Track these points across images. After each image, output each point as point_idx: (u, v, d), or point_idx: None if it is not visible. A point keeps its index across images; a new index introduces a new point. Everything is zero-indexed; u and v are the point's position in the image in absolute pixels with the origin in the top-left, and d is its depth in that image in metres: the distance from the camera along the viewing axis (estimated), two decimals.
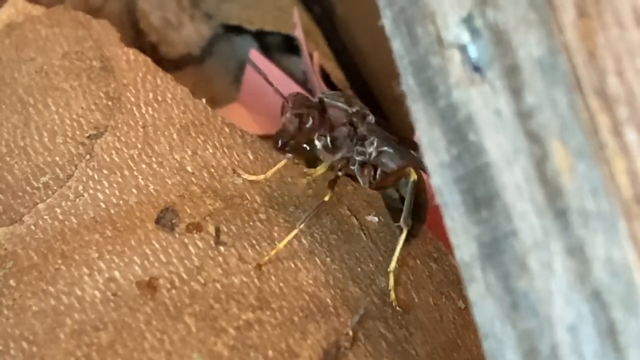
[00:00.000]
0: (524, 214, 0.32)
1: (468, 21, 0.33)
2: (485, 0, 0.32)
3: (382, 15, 0.36)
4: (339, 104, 0.44)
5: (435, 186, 0.35)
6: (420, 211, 0.45)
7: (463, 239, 0.34)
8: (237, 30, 0.60)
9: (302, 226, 0.42)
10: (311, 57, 0.55)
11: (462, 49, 0.33)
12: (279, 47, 0.59)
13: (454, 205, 0.34)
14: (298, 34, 0.56)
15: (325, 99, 0.45)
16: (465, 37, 0.33)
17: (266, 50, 0.58)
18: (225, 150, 0.46)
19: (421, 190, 0.45)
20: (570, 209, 0.31)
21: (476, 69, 0.33)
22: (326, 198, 0.42)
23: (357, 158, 0.43)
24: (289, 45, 0.59)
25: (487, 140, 0.33)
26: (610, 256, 0.30)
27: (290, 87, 0.55)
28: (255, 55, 0.57)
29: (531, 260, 0.32)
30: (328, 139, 0.43)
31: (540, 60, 0.31)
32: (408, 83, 0.35)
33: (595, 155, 0.30)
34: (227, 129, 0.47)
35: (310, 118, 0.42)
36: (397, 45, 0.35)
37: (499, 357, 0.34)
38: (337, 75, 0.56)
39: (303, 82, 0.57)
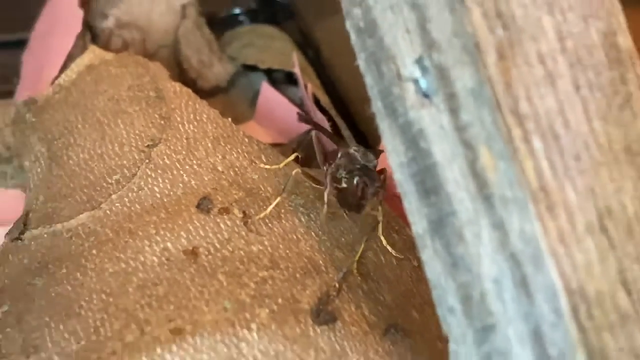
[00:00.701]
0: (461, 199, 0.32)
1: (419, 62, 0.33)
2: (432, 46, 0.32)
3: (358, 57, 0.35)
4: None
5: (397, 180, 0.35)
6: None
7: (417, 217, 0.34)
8: (253, 68, 0.59)
9: (284, 195, 0.43)
10: (306, 87, 0.54)
11: (415, 82, 0.33)
12: (283, 80, 0.59)
13: (410, 193, 0.34)
14: (296, 70, 0.56)
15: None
16: (417, 73, 0.33)
17: (273, 83, 0.58)
18: (246, 154, 0.46)
19: None
20: (494, 195, 0.31)
21: (425, 96, 0.33)
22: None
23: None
24: (290, 79, 0.59)
25: (433, 146, 0.33)
26: (523, 229, 0.30)
27: (290, 108, 0.55)
28: (265, 86, 0.57)
29: (466, 232, 0.32)
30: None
31: (472, 89, 0.31)
32: (377, 106, 0.35)
33: (511, 157, 0.30)
34: (246, 140, 0.47)
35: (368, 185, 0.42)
36: (368, 79, 0.35)
37: (443, 302, 0.34)
38: (324, 100, 0.55)
39: (300, 105, 0.56)
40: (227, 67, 0.59)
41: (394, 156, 0.35)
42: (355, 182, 0.41)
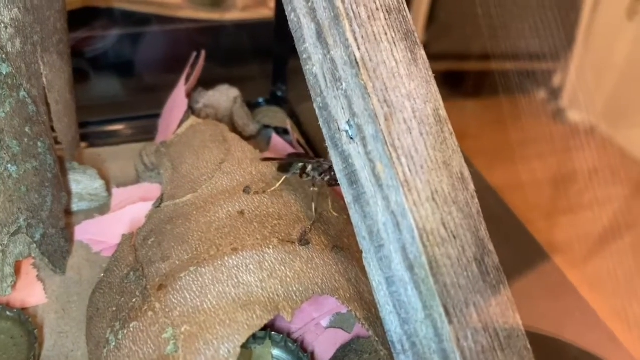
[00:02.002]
0: (367, 186, 0.31)
1: (348, 122, 0.32)
2: (354, 115, 0.32)
3: (319, 121, 0.34)
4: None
5: (338, 178, 0.34)
6: None
7: (347, 195, 0.33)
8: (268, 126, 0.58)
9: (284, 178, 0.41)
10: (292, 133, 0.54)
11: (346, 132, 0.32)
12: (282, 132, 0.58)
13: (344, 184, 0.33)
14: (289, 127, 0.55)
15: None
16: (347, 127, 0.32)
17: (277, 133, 0.57)
18: (267, 167, 0.44)
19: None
20: (384, 184, 0.30)
21: (351, 138, 0.32)
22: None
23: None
24: (285, 131, 0.58)
25: (355, 162, 0.31)
26: (397, 200, 0.30)
27: (286, 145, 0.55)
28: (274, 135, 0.56)
29: (370, 201, 0.31)
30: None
31: (372, 135, 0.31)
32: (328, 143, 0.33)
33: (391, 166, 0.30)
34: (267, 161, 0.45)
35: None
36: (324, 130, 0.33)
37: (360, 234, 0.32)
38: (302, 141, 0.55)
39: (291, 143, 0.55)
40: (256, 126, 0.58)
41: (337, 167, 0.33)
42: (320, 175, 0.41)
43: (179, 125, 0.51)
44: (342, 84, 0.32)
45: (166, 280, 0.35)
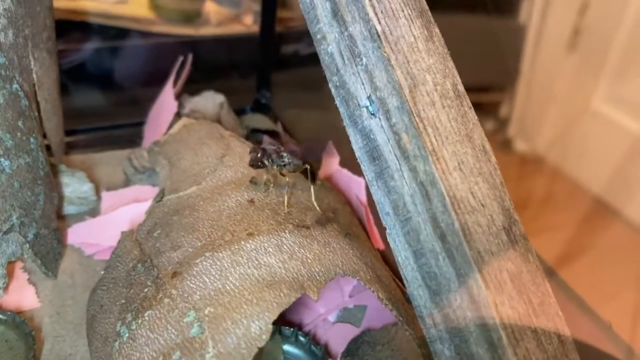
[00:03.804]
0: (392, 160, 0.31)
1: (369, 97, 0.32)
2: (376, 89, 0.32)
3: (335, 97, 0.33)
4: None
5: (358, 156, 0.32)
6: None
7: (368, 172, 0.32)
8: (256, 130, 0.57)
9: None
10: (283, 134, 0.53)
11: (367, 107, 0.32)
12: (273, 134, 0.56)
13: (364, 161, 0.32)
14: (280, 128, 0.54)
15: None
16: (367, 102, 0.32)
17: (269, 134, 0.56)
18: None
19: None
20: (410, 155, 0.30)
21: (372, 114, 0.32)
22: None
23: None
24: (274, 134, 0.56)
25: (378, 137, 0.31)
26: (425, 169, 0.29)
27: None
28: (266, 137, 0.55)
29: (395, 175, 0.30)
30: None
31: (397, 107, 0.31)
32: (346, 121, 0.33)
33: (418, 136, 0.30)
34: None
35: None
36: (341, 109, 0.33)
37: (383, 210, 0.32)
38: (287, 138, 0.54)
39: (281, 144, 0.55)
40: (244, 131, 0.57)
41: (356, 145, 0.32)
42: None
43: (169, 127, 0.50)
44: (362, 59, 0.32)
45: (180, 267, 0.33)
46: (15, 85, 0.39)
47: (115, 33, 0.71)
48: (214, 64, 0.70)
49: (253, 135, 0.56)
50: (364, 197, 0.45)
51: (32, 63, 0.42)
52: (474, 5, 1.04)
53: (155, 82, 0.59)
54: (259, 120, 0.59)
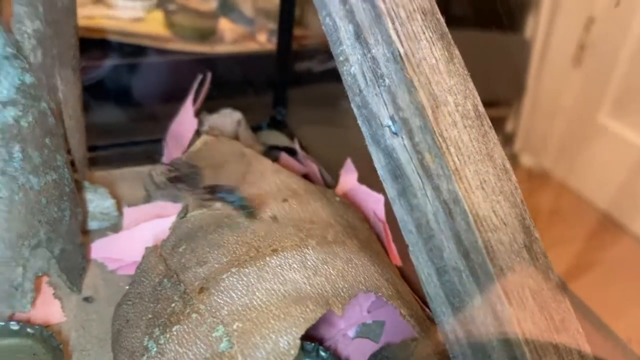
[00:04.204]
0: (415, 178, 0.31)
1: (392, 117, 0.33)
2: (398, 109, 0.32)
3: (357, 116, 0.34)
4: None
5: (380, 175, 0.33)
6: None
7: (390, 189, 0.32)
8: (274, 146, 0.58)
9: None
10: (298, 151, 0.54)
11: (389, 127, 0.33)
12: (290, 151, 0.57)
13: (387, 180, 0.33)
14: (297, 145, 0.55)
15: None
16: (390, 122, 0.33)
17: (286, 151, 0.56)
18: (286, 176, 0.44)
19: None
20: (433, 174, 0.30)
21: (395, 133, 0.33)
22: None
23: None
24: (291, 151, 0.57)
25: (400, 156, 0.31)
26: (449, 188, 0.30)
27: (292, 160, 0.54)
28: (283, 154, 0.55)
29: (418, 193, 0.31)
30: None
31: (420, 126, 0.31)
32: (368, 140, 0.33)
33: (441, 156, 0.30)
34: (283, 171, 0.46)
35: None
36: (363, 128, 0.33)
37: (405, 228, 0.32)
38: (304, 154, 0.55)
39: (299, 161, 0.55)
40: (261, 148, 0.58)
41: (378, 164, 0.33)
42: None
43: (190, 144, 0.51)
44: (384, 81, 0.32)
45: (207, 283, 0.34)
46: (43, 104, 0.40)
47: (132, 50, 0.72)
48: (229, 81, 0.71)
49: (270, 151, 0.57)
50: (382, 214, 0.45)
51: (58, 81, 0.43)
52: (480, 21, 1.04)
53: (173, 98, 0.60)
54: (276, 137, 0.60)
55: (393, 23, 0.32)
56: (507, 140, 1.30)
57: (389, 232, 0.45)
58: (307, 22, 0.78)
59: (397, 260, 0.45)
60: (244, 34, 0.79)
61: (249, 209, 0.39)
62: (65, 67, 0.44)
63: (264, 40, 0.78)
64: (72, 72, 0.45)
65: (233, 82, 0.72)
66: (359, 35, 0.34)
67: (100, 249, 0.45)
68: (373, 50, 0.33)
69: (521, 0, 1.12)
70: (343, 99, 0.36)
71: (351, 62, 0.34)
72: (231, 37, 0.78)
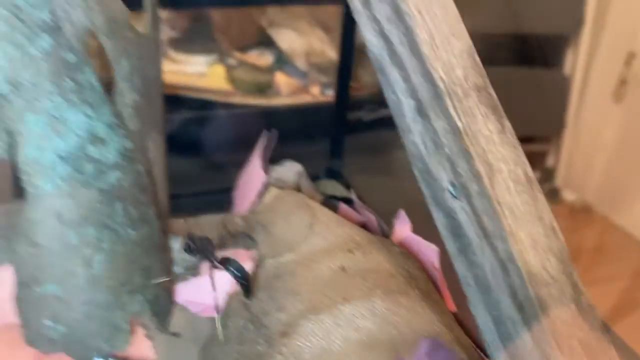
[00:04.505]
0: (474, 239, 0.35)
1: (452, 182, 0.37)
2: (457, 175, 0.36)
3: (419, 180, 0.38)
4: None
5: (441, 232, 0.37)
6: None
7: (450, 244, 0.37)
8: (332, 196, 0.61)
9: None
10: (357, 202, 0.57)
11: (449, 191, 0.37)
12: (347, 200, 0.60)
13: (447, 237, 0.37)
14: (353, 196, 0.58)
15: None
16: (450, 187, 0.37)
17: (343, 201, 0.59)
18: (352, 229, 0.47)
19: None
20: (490, 234, 0.34)
21: (454, 196, 0.37)
22: None
23: None
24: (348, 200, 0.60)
25: (460, 217, 0.35)
26: (504, 248, 0.34)
27: (350, 210, 0.58)
28: (342, 204, 0.59)
29: (477, 252, 0.35)
30: None
31: (478, 191, 0.35)
32: (429, 201, 0.37)
33: (497, 219, 0.35)
34: (346, 222, 0.49)
35: None
36: (425, 190, 0.38)
37: (466, 280, 0.37)
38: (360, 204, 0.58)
39: (356, 210, 0.58)
40: (320, 197, 0.62)
41: (439, 222, 0.37)
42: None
43: (259, 195, 0.56)
44: (444, 150, 0.37)
45: (288, 327, 0.38)
46: (139, 166, 0.45)
47: (197, 103, 0.78)
48: (285, 131, 0.76)
49: (329, 201, 0.61)
50: (437, 263, 0.49)
51: (149, 144, 0.48)
52: (519, 57, 1.07)
53: (236, 148, 0.65)
54: (334, 187, 0.64)
55: (451, 100, 0.37)
56: (547, 175, 1.31)
57: (443, 280, 0.49)
58: (358, 74, 0.83)
59: (452, 306, 0.48)
60: (299, 87, 0.85)
61: (246, 286, 0.44)
62: (154, 130, 0.49)
63: (317, 93, 0.84)
64: (159, 135, 0.51)
65: (289, 132, 0.77)
66: (420, 110, 0.38)
67: (183, 293, 0.49)
68: (434, 124, 0.37)
69: (560, 36, 1.15)
70: (392, 148, 0.40)
71: (413, 132, 0.39)
72: (287, 90, 0.84)
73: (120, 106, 0.44)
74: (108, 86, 0.44)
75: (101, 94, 0.42)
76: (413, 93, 0.38)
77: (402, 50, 0.39)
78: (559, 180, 1.30)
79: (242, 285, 0.44)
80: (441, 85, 0.37)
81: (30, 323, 0.43)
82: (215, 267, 0.45)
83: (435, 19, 0.38)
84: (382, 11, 0.39)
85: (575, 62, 1.20)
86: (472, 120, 0.37)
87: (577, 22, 1.08)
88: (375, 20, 0.40)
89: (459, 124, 0.36)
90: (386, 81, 0.40)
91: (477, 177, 0.35)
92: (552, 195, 1.29)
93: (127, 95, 0.45)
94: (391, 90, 0.40)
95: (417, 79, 0.38)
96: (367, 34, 0.40)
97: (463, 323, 0.46)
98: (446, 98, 0.37)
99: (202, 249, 0.45)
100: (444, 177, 0.37)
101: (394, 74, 0.39)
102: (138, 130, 0.46)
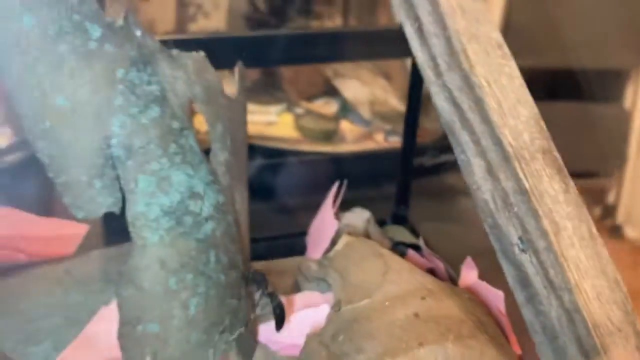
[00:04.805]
0: (541, 290, 0.39)
1: (520, 238, 0.40)
2: (525, 232, 0.40)
3: (489, 234, 0.41)
4: None
5: (510, 282, 0.41)
6: None
7: (519, 297, 0.40)
8: (400, 242, 0.64)
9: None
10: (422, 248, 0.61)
11: (518, 245, 0.40)
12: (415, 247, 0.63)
13: (516, 289, 0.40)
14: (421, 243, 0.61)
15: None
16: (519, 242, 0.40)
17: (412, 248, 0.62)
18: (423, 276, 0.50)
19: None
20: (556, 286, 0.38)
21: (523, 251, 0.40)
22: None
23: None
24: (415, 247, 0.63)
25: (528, 269, 0.39)
26: (569, 299, 0.37)
27: (418, 257, 0.61)
28: (410, 251, 0.62)
29: (544, 302, 0.39)
30: None
31: (546, 248, 0.39)
32: (499, 255, 0.41)
33: (563, 272, 0.38)
34: (416, 269, 0.52)
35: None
36: (495, 244, 0.41)
37: (533, 327, 0.40)
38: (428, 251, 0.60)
39: (421, 254, 0.61)
40: (389, 243, 0.66)
41: (508, 274, 0.40)
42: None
43: (332, 242, 0.60)
44: (513, 208, 0.40)
45: None
46: (229, 217, 0.50)
47: (268, 152, 0.83)
48: (352, 177, 0.80)
49: (397, 247, 0.65)
50: (503, 309, 0.52)
51: (237, 196, 0.53)
52: (578, 92, 1.08)
53: (305, 194, 0.69)
54: (401, 234, 0.68)
55: (520, 163, 0.40)
56: (609, 212, 1.30)
57: (509, 324, 0.52)
58: (421, 121, 0.87)
59: (517, 349, 0.51)
60: (363, 134, 0.89)
61: (279, 317, 0.49)
62: (241, 184, 0.54)
63: (381, 140, 0.88)
64: (243, 187, 0.56)
65: (355, 178, 0.81)
66: (490, 170, 0.42)
67: (264, 332, 0.54)
68: (503, 184, 0.41)
69: (620, 70, 1.14)
70: (457, 193, 0.43)
71: (483, 191, 0.42)
72: (352, 137, 0.89)
73: (215, 165, 0.50)
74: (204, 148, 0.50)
75: (200, 155, 0.47)
76: (483, 155, 0.42)
77: (472, 117, 0.43)
78: (621, 216, 1.28)
79: (275, 315, 0.48)
80: (509, 149, 0.41)
81: (132, 359, 0.48)
82: (264, 295, 0.50)
83: (503, 88, 0.42)
84: (453, 82, 0.43)
85: (635, 96, 1.19)
86: (539, 181, 0.40)
87: (637, 56, 1.09)
88: (446, 88, 0.44)
89: (526, 184, 0.40)
90: (456, 142, 0.44)
91: (543, 233, 0.39)
92: (614, 231, 1.27)
93: (220, 154, 0.50)
94: (461, 150, 0.44)
95: (486, 142, 0.42)
96: (439, 100, 0.45)
97: None
98: (514, 161, 0.40)
99: (256, 281, 0.49)
100: (513, 233, 0.41)
101: (464, 137, 0.43)
102: (228, 185, 0.51)
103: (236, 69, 0.53)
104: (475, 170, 0.43)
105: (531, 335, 0.40)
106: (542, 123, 0.42)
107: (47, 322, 0.51)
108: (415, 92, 0.68)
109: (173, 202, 0.47)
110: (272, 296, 0.50)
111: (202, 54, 0.49)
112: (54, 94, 0.43)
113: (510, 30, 0.98)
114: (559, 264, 0.38)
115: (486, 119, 0.42)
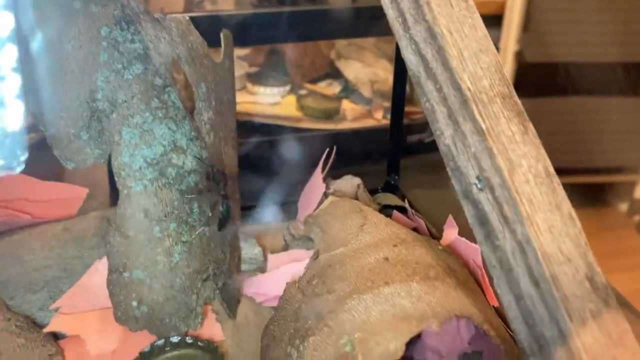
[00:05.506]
0: (496, 225, 0.40)
1: (477, 177, 0.41)
2: (482, 171, 0.41)
3: (452, 177, 0.42)
4: None
5: (470, 221, 0.42)
6: None
7: (479, 235, 0.41)
8: (387, 206, 0.65)
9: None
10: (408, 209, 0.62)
11: (476, 184, 0.41)
12: (400, 209, 0.64)
13: (475, 225, 0.41)
14: (407, 204, 0.62)
15: None
16: (476, 181, 0.42)
17: (398, 209, 0.64)
18: (395, 227, 0.51)
19: None
20: (510, 220, 0.39)
21: (480, 189, 0.41)
22: None
23: None
24: (402, 209, 0.64)
25: (485, 207, 0.39)
26: (522, 231, 0.38)
27: (405, 219, 0.63)
28: (395, 212, 0.63)
29: (499, 236, 0.40)
30: None
31: (500, 185, 0.40)
32: (460, 195, 0.42)
33: (516, 206, 0.39)
34: (394, 224, 0.54)
35: None
36: (456, 186, 0.42)
37: (491, 262, 0.41)
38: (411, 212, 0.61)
39: (408, 217, 0.62)
40: (376, 207, 0.67)
41: (468, 214, 0.41)
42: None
43: (319, 203, 0.62)
44: (471, 149, 0.41)
45: (334, 305, 0.43)
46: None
47: (270, 129, 0.86)
48: (350, 152, 0.82)
49: (384, 210, 0.66)
50: (479, 261, 0.53)
51: (223, 156, 0.56)
52: (607, 88, 1.08)
53: (303, 167, 0.71)
54: (389, 199, 0.69)
55: (477, 106, 0.42)
56: (637, 206, 1.28)
57: (485, 276, 0.53)
58: (416, 100, 0.89)
59: (494, 301, 0.52)
60: (363, 112, 0.91)
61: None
62: (228, 146, 0.57)
63: (380, 117, 0.90)
64: (232, 149, 0.58)
65: (353, 152, 0.83)
66: (450, 115, 0.43)
67: (250, 286, 0.56)
68: (462, 127, 0.42)
69: None
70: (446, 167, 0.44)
71: (445, 136, 0.44)
72: (352, 116, 0.91)
73: (199, 122, 0.52)
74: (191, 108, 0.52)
75: (182, 112, 0.50)
76: (444, 101, 0.44)
77: (435, 66, 0.44)
78: None
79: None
80: (467, 93, 0.42)
81: (119, 304, 0.50)
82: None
83: (465, 38, 0.44)
84: (419, 34, 0.45)
85: None
86: (496, 122, 0.41)
87: None
88: (413, 41, 0.46)
89: (483, 125, 0.41)
90: (422, 92, 0.46)
91: (498, 171, 0.40)
92: None
93: (204, 113, 0.53)
94: (426, 99, 0.45)
95: (447, 89, 0.43)
96: (407, 54, 0.46)
97: (504, 317, 0.49)
98: (472, 104, 0.42)
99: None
100: (471, 173, 0.42)
101: (428, 86, 0.45)
102: (213, 143, 0.54)
103: (222, 35, 0.56)
104: (438, 117, 0.44)
105: (490, 271, 0.41)
106: (504, 71, 0.44)
107: (45, 273, 0.54)
108: (401, 65, 0.69)
109: (156, 154, 0.49)
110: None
111: (186, 17, 0.52)
112: (42, 51, 0.46)
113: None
114: (512, 199, 0.39)
115: (447, 66, 0.43)
